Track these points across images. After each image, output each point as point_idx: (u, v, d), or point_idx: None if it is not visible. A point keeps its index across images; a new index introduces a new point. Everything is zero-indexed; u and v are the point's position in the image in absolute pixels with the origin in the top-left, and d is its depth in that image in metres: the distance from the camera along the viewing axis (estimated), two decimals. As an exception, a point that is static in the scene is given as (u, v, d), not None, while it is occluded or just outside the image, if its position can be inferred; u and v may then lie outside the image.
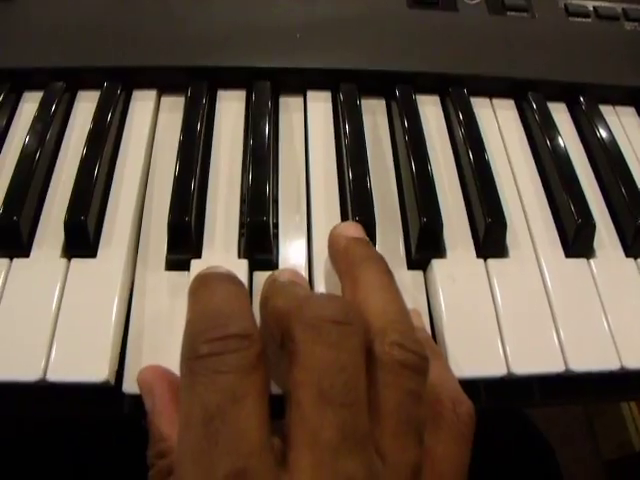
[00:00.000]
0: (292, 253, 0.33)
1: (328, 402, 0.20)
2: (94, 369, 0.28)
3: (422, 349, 0.23)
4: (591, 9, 0.45)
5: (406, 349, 0.22)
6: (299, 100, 0.41)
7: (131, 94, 0.40)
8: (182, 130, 0.36)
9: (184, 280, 0.31)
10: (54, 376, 0.28)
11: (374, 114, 0.41)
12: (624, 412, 1.10)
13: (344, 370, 0.21)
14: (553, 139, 0.39)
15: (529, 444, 0.55)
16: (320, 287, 0.31)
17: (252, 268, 0.32)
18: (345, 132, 0.37)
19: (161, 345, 0.29)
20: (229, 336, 0.21)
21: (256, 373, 0.21)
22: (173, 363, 0.26)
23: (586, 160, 0.40)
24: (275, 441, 0.21)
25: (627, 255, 0.35)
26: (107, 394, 0.30)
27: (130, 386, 0.28)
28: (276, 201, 0.35)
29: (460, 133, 0.39)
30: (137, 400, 0.28)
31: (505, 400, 0.33)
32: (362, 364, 0.21)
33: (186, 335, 0.22)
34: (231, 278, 0.25)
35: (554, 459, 0.54)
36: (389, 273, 0.26)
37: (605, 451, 1.15)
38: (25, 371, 0.28)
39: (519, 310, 0.32)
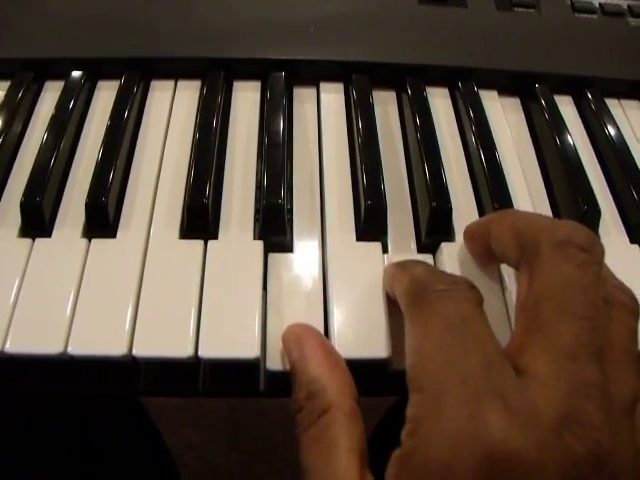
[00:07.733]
0: (306, 237, 0.34)
1: (568, 313, 0.21)
2: (113, 344, 0.29)
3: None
4: (597, 5, 0.46)
5: (628, 295, 0.25)
6: (312, 91, 0.42)
7: (149, 84, 0.41)
8: (199, 118, 0.38)
9: (199, 260, 0.32)
10: (75, 350, 0.29)
11: (385, 104, 0.42)
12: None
13: (586, 290, 0.22)
14: (559, 130, 0.40)
15: None
16: (334, 270, 0.32)
17: (267, 250, 0.33)
18: (357, 122, 0.38)
19: (173, 322, 0.30)
20: (459, 282, 0.24)
21: (482, 310, 0.23)
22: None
23: (592, 150, 0.41)
24: None
25: (632, 241, 0.36)
26: (123, 369, 0.31)
27: (141, 352, 0.29)
28: (290, 188, 0.36)
29: (469, 124, 0.40)
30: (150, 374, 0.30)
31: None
32: (601, 292, 0.23)
33: (415, 282, 0.26)
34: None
35: None
36: None
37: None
38: (47, 345, 0.29)
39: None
